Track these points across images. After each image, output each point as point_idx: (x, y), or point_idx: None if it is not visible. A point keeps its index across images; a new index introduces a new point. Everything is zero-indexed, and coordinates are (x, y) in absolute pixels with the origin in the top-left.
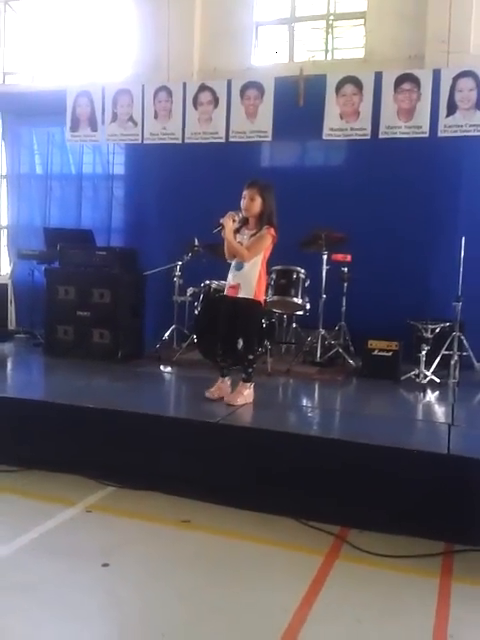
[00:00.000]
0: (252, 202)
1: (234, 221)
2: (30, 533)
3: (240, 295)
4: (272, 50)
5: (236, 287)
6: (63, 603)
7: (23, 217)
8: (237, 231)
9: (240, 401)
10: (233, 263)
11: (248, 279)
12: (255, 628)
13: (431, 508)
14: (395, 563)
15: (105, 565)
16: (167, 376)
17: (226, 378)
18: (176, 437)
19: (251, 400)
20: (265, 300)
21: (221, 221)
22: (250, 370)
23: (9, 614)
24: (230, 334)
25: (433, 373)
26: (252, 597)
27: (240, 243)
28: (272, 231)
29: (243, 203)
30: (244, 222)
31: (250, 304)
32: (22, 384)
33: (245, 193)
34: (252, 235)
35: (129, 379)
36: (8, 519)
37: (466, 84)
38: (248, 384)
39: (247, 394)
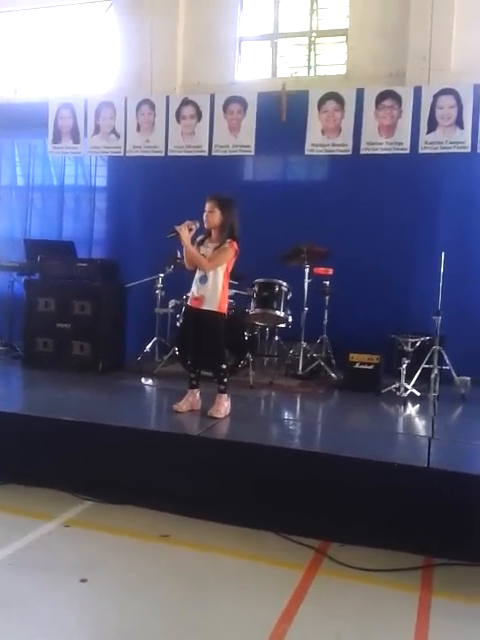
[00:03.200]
0: (212, 214)
1: (191, 230)
2: (6, 548)
3: (204, 307)
4: (255, 64)
5: (200, 299)
6: (40, 619)
7: (3, 228)
8: (201, 243)
9: (223, 413)
10: (197, 275)
11: (212, 291)
12: None
13: (411, 521)
14: (375, 577)
15: (83, 581)
16: (148, 388)
17: (196, 391)
18: (156, 451)
19: (228, 412)
20: (246, 312)
21: (176, 228)
22: (225, 380)
23: None
24: (197, 345)
25: (413, 386)
26: (231, 612)
27: (204, 255)
28: (234, 245)
29: (204, 216)
30: (207, 234)
31: (214, 316)
32: (0, 397)
33: (205, 206)
34: (216, 248)
35: (109, 392)
36: None
37: (447, 101)
38: (225, 396)
39: (227, 406)
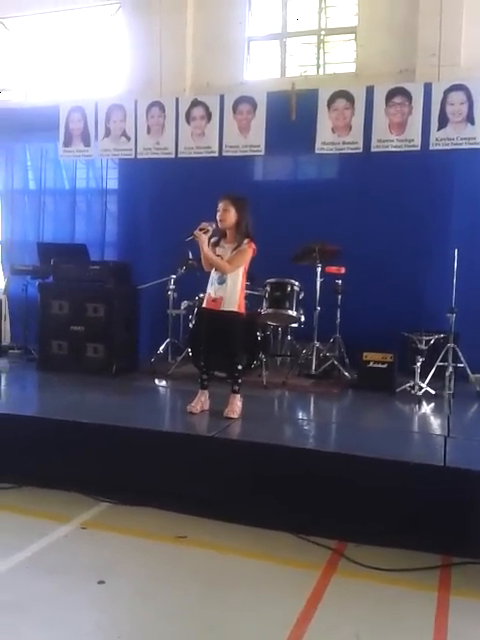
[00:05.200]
0: (226, 213)
1: (207, 231)
2: (24, 551)
3: (224, 308)
4: (264, 63)
5: (219, 300)
6: (58, 622)
7: (17, 232)
8: (216, 244)
9: (238, 413)
10: (215, 277)
11: (232, 292)
12: None
13: (428, 521)
14: (393, 577)
15: (101, 582)
16: (162, 390)
17: (206, 391)
18: (171, 452)
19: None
20: (259, 312)
21: (194, 233)
22: (240, 381)
23: (3, 633)
24: (214, 347)
25: (428, 385)
26: (249, 613)
27: (220, 257)
28: (252, 244)
29: (218, 216)
30: (222, 235)
31: (234, 316)
32: (16, 400)
33: (219, 206)
34: (234, 248)
35: (123, 393)
36: (2, 536)
37: (457, 97)
38: (239, 396)
39: (240, 405)
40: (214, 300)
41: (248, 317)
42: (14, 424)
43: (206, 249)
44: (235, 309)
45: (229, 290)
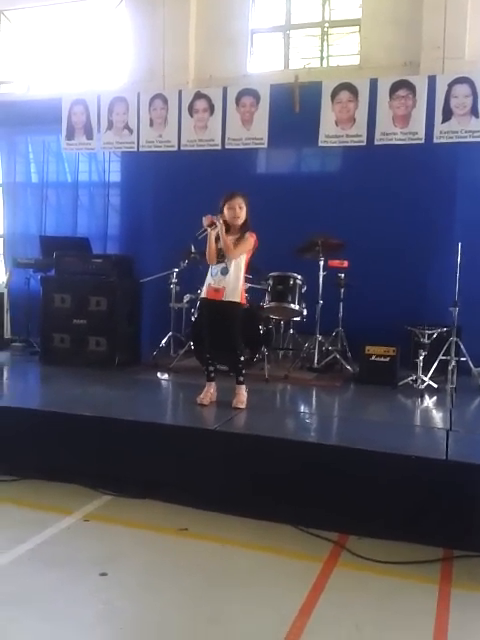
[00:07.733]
0: (241, 210)
1: (215, 225)
2: (27, 543)
3: (226, 299)
4: (267, 56)
5: (221, 291)
6: (60, 614)
7: (19, 225)
8: (218, 239)
9: (246, 403)
10: (218, 268)
11: (234, 283)
12: (254, 637)
13: (430, 514)
14: (394, 569)
15: (103, 574)
16: (164, 383)
17: (214, 383)
18: (173, 445)
19: None
20: (261, 305)
21: (206, 225)
22: (244, 372)
23: (6, 625)
24: (217, 337)
25: (431, 378)
26: (251, 606)
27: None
28: (254, 236)
29: (232, 213)
30: (226, 229)
31: (236, 307)
32: (18, 393)
33: (233, 203)
34: (237, 239)
35: (126, 387)
36: (4, 529)
37: (461, 90)
38: (244, 386)
39: (246, 395)
40: (216, 290)
41: (250, 310)
42: (16, 417)
43: (225, 235)
44: (237, 300)
45: (232, 281)
